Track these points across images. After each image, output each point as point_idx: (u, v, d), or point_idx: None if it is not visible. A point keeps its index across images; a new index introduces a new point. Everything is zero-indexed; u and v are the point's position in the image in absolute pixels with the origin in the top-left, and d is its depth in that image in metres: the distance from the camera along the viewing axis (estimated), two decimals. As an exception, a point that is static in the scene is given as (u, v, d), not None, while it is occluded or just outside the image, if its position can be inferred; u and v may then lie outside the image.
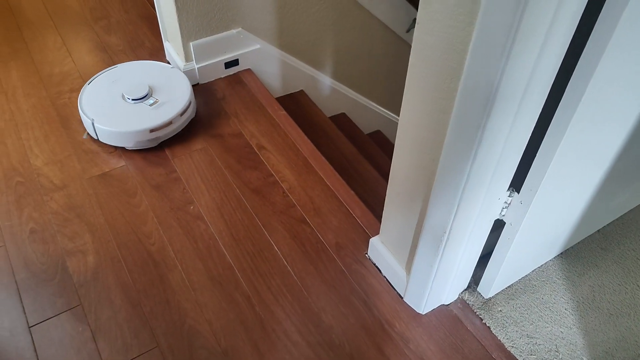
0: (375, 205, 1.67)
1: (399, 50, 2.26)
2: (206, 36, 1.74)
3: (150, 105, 1.62)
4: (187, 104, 1.64)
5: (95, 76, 1.72)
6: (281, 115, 1.75)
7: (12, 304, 1.26)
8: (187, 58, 1.76)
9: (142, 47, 1.96)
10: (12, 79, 1.80)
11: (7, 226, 1.40)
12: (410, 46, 2.28)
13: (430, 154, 0.99)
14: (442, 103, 0.90)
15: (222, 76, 1.86)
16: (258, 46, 1.86)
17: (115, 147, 1.61)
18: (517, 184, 1.06)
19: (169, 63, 1.89)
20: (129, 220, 1.43)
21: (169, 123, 1.59)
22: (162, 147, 1.62)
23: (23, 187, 1.49)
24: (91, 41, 1.98)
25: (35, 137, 1.63)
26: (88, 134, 1.64)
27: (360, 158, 1.98)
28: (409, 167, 1.07)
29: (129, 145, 1.59)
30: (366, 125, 2.48)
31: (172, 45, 1.83)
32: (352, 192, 1.55)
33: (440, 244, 1.09)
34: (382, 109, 2.48)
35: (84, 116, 1.59)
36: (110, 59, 1.91)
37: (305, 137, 1.68)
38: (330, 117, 2.30)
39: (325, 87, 2.17)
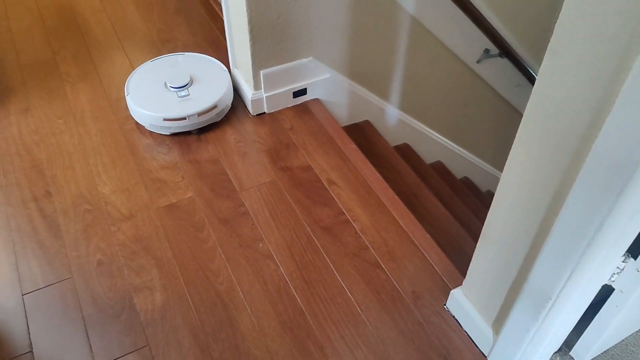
0: (449, 249, 1.58)
1: (467, 81, 2.17)
2: (277, 65, 1.70)
3: (179, 96, 1.70)
4: (210, 108, 1.69)
5: (155, 58, 1.87)
6: (351, 149, 1.68)
7: (80, 340, 1.22)
8: (256, 86, 1.72)
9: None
10: (81, 101, 1.80)
11: (75, 257, 1.37)
12: (479, 77, 2.20)
13: (543, 214, 0.90)
14: (566, 163, 0.82)
15: (290, 105, 1.81)
16: (328, 75, 1.80)
17: (182, 177, 1.57)
18: (634, 249, 0.96)
19: (235, 89, 1.86)
20: (197, 255, 1.38)
21: (183, 119, 1.66)
22: (229, 178, 1.57)
23: (91, 215, 1.47)
24: (158, 64, 1.97)
25: (103, 163, 1.61)
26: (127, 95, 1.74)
27: (427, 193, 1.89)
28: (510, 224, 0.98)
29: (146, 125, 1.70)
30: (428, 155, 2.39)
31: (240, 73, 1.80)
32: (427, 235, 1.46)
33: (543, 309, 0.99)
34: (445, 139, 2.39)
35: (126, 87, 1.74)
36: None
37: (377, 174, 1.61)
38: (394, 147, 2.23)
39: (391, 116, 2.10)
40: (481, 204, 2.52)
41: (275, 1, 1.54)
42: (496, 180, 2.78)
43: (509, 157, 0.94)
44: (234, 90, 1.83)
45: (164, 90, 1.73)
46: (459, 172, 2.61)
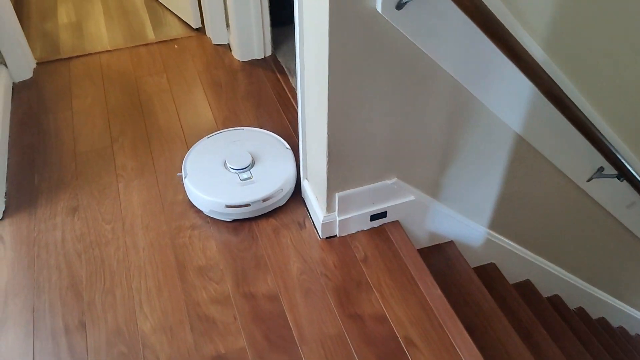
0: None
1: (573, 199, 1.85)
2: (355, 187, 1.46)
3: (242, 180, 1.58)
4: (275, 192, 1.58)
5: (215, 133, 1.77)
6: (436, 297, 1.40)
7: None
8: (329, 209, 1.48)
9: (275, 175, 1.73)
10: (133, 203, 1.62)
11: (100, 420, 1.16)
12: (588, 196, 1.87)
13: None
14: None
15: (366, 228, 1.56)
16: (412, 197, 1.54)
17: (235, 317, 1.34)
18: None
19: (304, 201, 1.63)
20: None
21: (247, 205, 1.54)
22: (288, 323, 1.32)
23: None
24: (220, 161, 1.77)
25: (148, 288, 1.40)
26: (181, 175, 1.65)
27: (523, 350, 1.57)
28: None
29: (205, 210, 1.58)
30: (515, 274, 2.07)
31: (311, 188, 1.57)
32: None
33: None
34: (536, 256, 2.07)
35: (184, 167, 1.63)
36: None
37: (467, 336, 1.32)
38: (478, 267, 1.93)
39: (477, 236, 1.81)
40: (568, 326, 2.18)
41: (360, 122, 1.31)
42: (589, 296, 2.42)
43: None
44: (303, 205, 1.62)
45: (224, 171, 1.62)
46: (548, 289, 2.27)
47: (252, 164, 1.62)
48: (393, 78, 1.25)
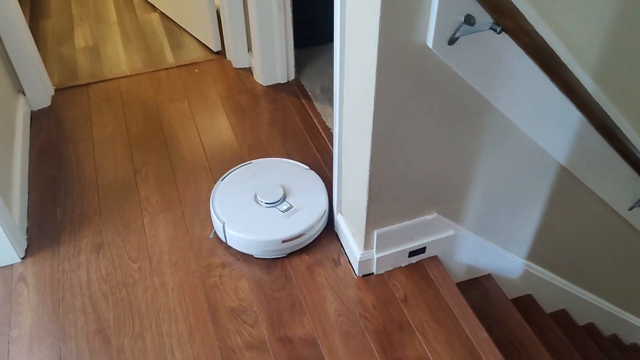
0: None
1: (614, 227, 1.78)
2: (395, 224, 1.39)
3: (284, 211, 1.52)
4: (323, 213, 1.55)
5: (229, 172, 1.67)
6: (482, 340, 1.33)
7: None
8: (367, 246, 1.41)
9: (305, 207, 1.66)
10: (160, 240, 1.56)
11: None
12: (629, 224, 1.80)
13: None
14: None
15: (403, 265, 1.49)
16: (452, 232, 1.48)
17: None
18: None
19: (336, 234, 1.57)
20: None
21: (301, 235, 1.49)
22: (328, 369, 1.25)
23: (159, 414, 1.19)
24: (247, 192, 1.71)
25: (179, 332, 1.34)
26: (215, 233, 1.57)
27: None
28: None
29: (257, 253, 1.50)
30: (551, 303, 2.00)
31: (347, 224, 1.50)
32: None
33: None
34: (572, 285, 1.99)
35: (215, 217, 1.53)
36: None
37: (519, 383, 1.25)
38: (514, 299, 1.86)
39: (515, 267, 1.74)
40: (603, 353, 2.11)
41: (404, 158, 1.25)
42: (624, 323, 2.34)
43: None
44: (337, 240, 1.56)
45: (258, 207, 1.55)
46: (583, 317, 2.19)
47: (284, 197, 1.56)
48: (440, 114, 1.19)
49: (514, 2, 0.97)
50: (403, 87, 1.11)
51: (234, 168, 1.68)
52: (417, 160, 1.27)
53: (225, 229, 1.50)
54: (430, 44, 1.04)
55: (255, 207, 1.54)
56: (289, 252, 1.51)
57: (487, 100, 1.20)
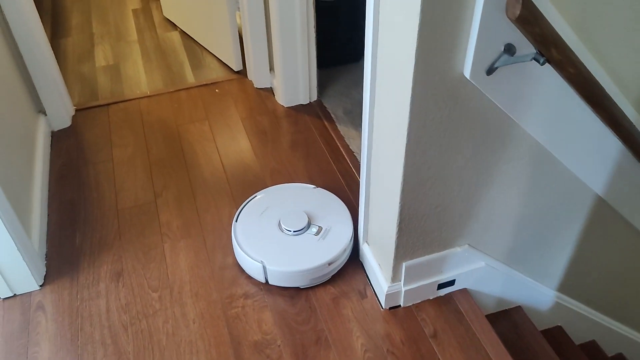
0: None
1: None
2: (424, 256, 1.34)
3: (315, 234, 1.50)
4: (353, 225, 1.54)
5: (240, 209, 1.59)
6: (517, 380, 1.27)
7: None
8: (394, 279, 1.36)
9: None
10: (181, 267, 1.52)
11: None
12: (665, 255, 1.73)
13: None
14: None
15: (431, 297, 1.44)
16: (482, 264, 1.42)
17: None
18: None
19: (361, 264, 1.52)
20: None
21: (344, 251, 1.48)
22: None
23: None
24: (269, 217, 1.67)
25: (200, 367, 1.29)
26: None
27: None
28: None
29: (304, 283, 1.45)
30: (580, 335, 1.92)
31: (373, 254, 1.45)
32: None
33: None
34: (603, 316, 1.91)
35: (250, 259, 1.44)
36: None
37: None
38: (544, 331, 1.79)
39: (546, 299, 1.67)
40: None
41: (436, 190, 1.20)
42: (656, 354, 2.24)
43: None
44: (362, 270, 1.51)
45: (288, 237, 1.50)
46: (612, 348, 2.11)
47: (309, 225, 1.52)
48: (475, 144, 1.14)
49: (559, 32, 0.93)
50: (438, 117, 1.07)
51: (248, 200, 1.61)
52: (450, 191, 1.22)
53: (267, 267, 1.43)
54: (467, 74, 0.99)
55: (284, 238, 1.49)
56: (334, 272, 1.48)
57: (524, 130, 1.15)
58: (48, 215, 1.69)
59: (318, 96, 2.16)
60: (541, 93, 1.07)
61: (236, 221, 1.55)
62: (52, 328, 1.38)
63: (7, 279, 1.42)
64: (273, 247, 1.47)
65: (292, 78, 2.06)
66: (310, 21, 1.95)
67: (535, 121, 1.12)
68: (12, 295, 1.45)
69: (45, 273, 1.51)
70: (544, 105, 1.09)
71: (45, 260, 1.55)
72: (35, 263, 1.46)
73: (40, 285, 1.48)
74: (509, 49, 0.96)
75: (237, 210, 1.66)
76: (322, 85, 2.24)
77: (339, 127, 2.01)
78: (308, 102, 2.13)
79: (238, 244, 1.48)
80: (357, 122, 2.04)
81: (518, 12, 0.81)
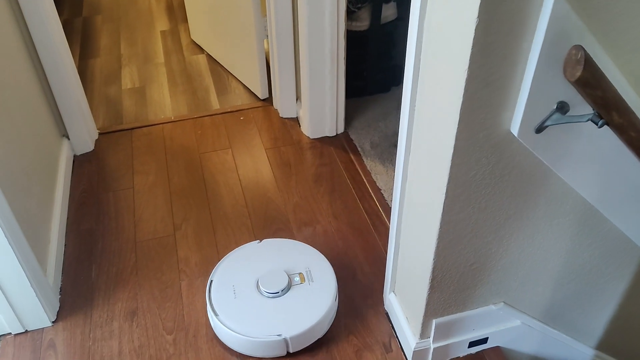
0: None
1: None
2: (456, 313, 1.25)
3: (301, 281, 1.42)
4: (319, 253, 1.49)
5: (208, 300, 1.40)
6: None
7: None
8: (423, 335, 1.28)
9: (354, 279, 1.53)
10: (197, 308, 1.45)
11: None
12: None
13: None
14: None
15: (461, 355, 1.35)
16: (518, 322, 1.33)
17: None
18: None
19: (386, 313, 1.44)
20: None
21: (336, 281, 1.43)
22: None
23: None
24: (291, 257, 1.60)
25: (213, 422, 1.22)
26: None
27: None
28: None
29: (323, 331, 1.38)
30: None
31: (400, 306, 1.36)
32: None
33: None
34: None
35: (265, 339, 1.30)
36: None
37: None
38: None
39: (584, 358, 1.56)
40: None
41: (473, 247, 1.12)
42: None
43: None
44: (387, 320, 1.42)
45: (279, 300, 1.37)
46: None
47: (289, 277, 1.42)
48: (517, 201, 1.06)
49: (618, 89, 0.85)
50: (479, 173, 0.99)
51: (208, 286, 1.43)
52: (488, 248, 1.14)
53: (288, 338, 1.30)
54: (515, 132, 0.92)
55: (279, 301, 1.37)
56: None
57: (572, 188, 1.07)
58: (65, 244, 1.65)
59: (345, 127, 2.10)
60: (594, 152, 0.99)
61: (217, 315, 1.35)
62: (62, 369, 1.33)
63: (19, 315, 1.37)
64: (282, 316, 1.35)
65: (319, 109, 2.00)
66: (340, 52, 1.90)
67: (585, 180, 1.04)
68: (24, 331, 1.40)
69: (58, 309, 1.46)
70: (596, 164, 1.01)
71: (60, 294, 1.50)
72: (49, 298, 1.41)
73: (53, 322, 1.43)
74: (562, 107, 0.89)
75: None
76: (349, 116, 2.17)
77: (365, 161, 1.94)
78: (334, 134, 2.07)
79: (239, 333, 1.31)
80: (384, 157, 1.97)
81: (579, 75, 0.73)
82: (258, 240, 1.56)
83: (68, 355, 1.35)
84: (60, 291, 1.51)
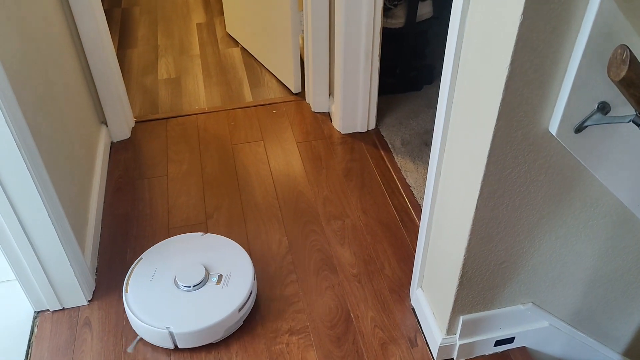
0: None
1: None
2: (483, 311, 1.26)
3: (217, 283, 1.41)
4: (251, 264, 1.47)
5: (127, 275, 1.45)
6: None
7: None
8: (450, 331, 1.29)
9: (381, 273, 1.55)
10: (226, 294, 1.49)
11: None
12: None
13: None
14: None
15: (487, 353, 1.35)
16: (546, 324, 1.32)
17: None
18: None
19: (413, 309, 1.45)
20: None
21: (250, 293, 1.40)
22: None
23: None
24: (320, 252, 1.62)
25: (240, 405, 1.25)
26: (136, 343, 1.38)
27: None
28: None
29: (217, 337, 1.36)
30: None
31: (428, 302, 1.37)
32: None
33: None
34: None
35: (152, 328, 1.32)
36: (342, 291, 1.50)
37: None
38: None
39: (611, 363, 1.55)
40: None
41: (504, 245, 1.12)
42: None
43: None
44: (413, 315, 1.43)
45: (187, 294, 1.38)
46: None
47: (207, 276, 1.41)
48: (552, 201, 1.06)
49: (661, 93, 0.84)
50: (515, 172, 1.00)
51: (134, 265, 1.46)
52: (519, 248, 1.14)
53: (174, 333, 1.31)
54: (553, 131, 0.92)
55: (185, 295, 1.38)
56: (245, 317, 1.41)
57: (608, 190, 1.06)
58: (102, 228, 1.70)
59: (376, 124, 2.11)
60: (633, 154, 0.98)
61: (126, 292, 1.40)
62: (97, 347, 1.37)
63: (58, 293, 1.42)
64: (177, 308, 1.35)
65: (351, 105, 2.02)
66: (375, 49, 1.91)
67: (622, 182, 1.03)
68: (62, 308, 1.46)
69: (94, 288, 1.52)
70: (634, 166, 1.00)
71: (96, 274, 1.55)
72: (86, 278, 1.47)
73: (89, 301, 1.48)
74: (603, 108, 0.89)
75: (287, 239, 1.63)
76: (381, 113, 2.18)
77: (395, 158, 1.95)
78: (366, 130, 2.08)
79: (135, 315, 1.34)
80: (414, 154, 1.98)
81: (624, 74, 0.74)
82: (202, 233, 1.57)
83: (103, 334, 1.40)
84: (97, 272, 1.56)
